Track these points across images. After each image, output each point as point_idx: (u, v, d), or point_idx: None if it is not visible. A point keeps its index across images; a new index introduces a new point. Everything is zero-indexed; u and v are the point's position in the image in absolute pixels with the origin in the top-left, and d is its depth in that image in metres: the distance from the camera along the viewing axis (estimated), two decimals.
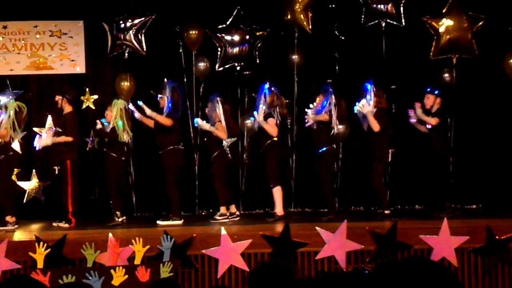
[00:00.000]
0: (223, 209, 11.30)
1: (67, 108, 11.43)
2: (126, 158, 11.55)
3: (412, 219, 10.87)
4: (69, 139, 11.22)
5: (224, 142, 11.44)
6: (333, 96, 11.27)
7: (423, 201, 12.15)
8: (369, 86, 11.31)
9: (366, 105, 11.20)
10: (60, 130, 11.32)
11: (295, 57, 12.37)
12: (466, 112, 12.40)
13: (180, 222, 11.15)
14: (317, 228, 9.39)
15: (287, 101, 11.96)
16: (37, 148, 11.48)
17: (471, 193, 12.34)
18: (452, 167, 12.00)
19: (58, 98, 11.48)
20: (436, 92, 11.52)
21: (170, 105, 11.32)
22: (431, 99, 11.49)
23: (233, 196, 11.58)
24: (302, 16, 12.16)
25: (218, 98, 11.46)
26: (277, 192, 11.26)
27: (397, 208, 12.03)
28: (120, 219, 11.15)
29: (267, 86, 11.39)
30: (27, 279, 4.96)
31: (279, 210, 11.22)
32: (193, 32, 12.33)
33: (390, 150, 11.29)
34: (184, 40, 12.36)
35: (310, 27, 12.21)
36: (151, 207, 12.25)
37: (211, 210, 11.93)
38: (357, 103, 11.29)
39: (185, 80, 12.35)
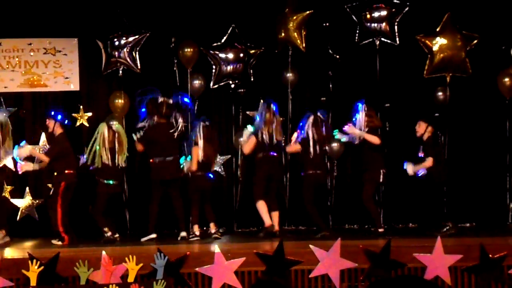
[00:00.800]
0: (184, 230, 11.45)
1: (58, 130, 11.43)
2: (117, 180, 11.51)
3: (406, 237, 10.86)
4: (45, 158, 11.24)
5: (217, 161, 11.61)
6: (310, 120, 11.34)
7: (417, 219, 12.15)
8: (360, 106, 11.37)
9: (353, 129, 11.29)
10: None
11: (289, 75, 12.40)
12: (459, 130, 12.42)
13: (153, 236, 11.23)
14: (310, 246, 9.37)
15: (282, 118, 11.97)
16: (20, 172, 11.55)
17: (465, 211, 12.34)
18: (446, 185, 11.99)
19: (49, 122, 11.47)
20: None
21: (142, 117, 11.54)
22: (422, 127, 11.46)
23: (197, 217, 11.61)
24: (295, 34, 12.19)
25: (201, 123, 11.52)
26: (260, 206, 11.32)
27: (391, 226, 12.02)
28: (109, 234, 11.15)
29: (262, 102, 11.46)
30: None
31: (266, 221, 11.27)
32: (189, 49, 12.34)
33: (382, 171, 11.31)
34: (179, 57, 12.38)
35: (304, 45, 12.23)
36: (145, 225, 12.20)
37: (204, 228, 11.88)
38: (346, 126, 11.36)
39: (179, 97, 12.37)
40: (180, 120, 11.50)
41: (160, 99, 11.48)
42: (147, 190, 11.68)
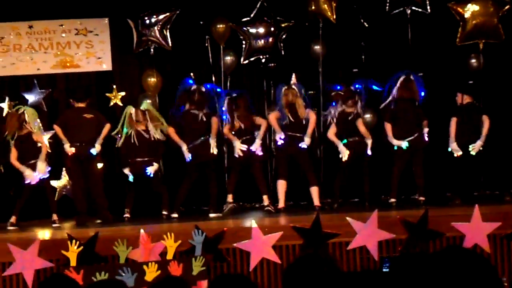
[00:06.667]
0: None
1: None
2: (149, 157, 11.50)
3: (444, 207, 10.82)
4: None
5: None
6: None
7: (455, 189, 12.02)
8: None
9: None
10: None
11: (319, 47, 12.33)
12: (494, 96, 12.30)
13: (174, 215, 11.34)
14: (347, 218, 9.35)
15: (312, 92, 11.93)
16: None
17: (501, 178, 12.23)
18: (481, 153, 11.87)
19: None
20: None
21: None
22: (459, 97, 11.47)
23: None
24: (326, 6, 12.10)
25: (226, 97, 11.71)
26: (278, 185, 11.40)
27: (432, 196, 11.96)
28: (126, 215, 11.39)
29: (283, 87, 11.42)
30: (66, 278, 5.04)
31: (280, 202, 11.31)
32: (221, 26, 12.34)
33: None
34: (212, 34, 12.37)
35: (334, 16, 12.15)
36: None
37: (240, 203, 11.91)
38: None
39: (212, 75, 12.40)
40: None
41: (194, 87, 11.53)
42: (181, 172, 11.70)
